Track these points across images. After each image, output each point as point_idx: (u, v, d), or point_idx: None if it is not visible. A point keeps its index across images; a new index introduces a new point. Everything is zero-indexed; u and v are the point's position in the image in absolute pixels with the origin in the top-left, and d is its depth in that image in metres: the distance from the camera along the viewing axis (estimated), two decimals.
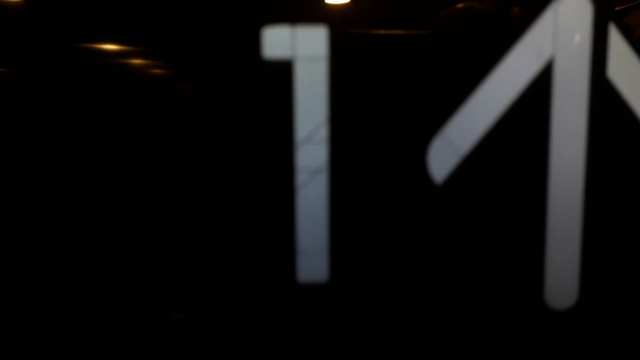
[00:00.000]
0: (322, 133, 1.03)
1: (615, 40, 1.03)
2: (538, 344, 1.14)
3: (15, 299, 1.06)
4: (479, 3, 1.15)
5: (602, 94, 1.05)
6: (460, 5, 1.14)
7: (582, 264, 1.11)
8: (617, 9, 1.24)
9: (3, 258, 1.04)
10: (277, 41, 1.00)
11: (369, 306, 1.11)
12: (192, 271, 1.09)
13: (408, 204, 1.08)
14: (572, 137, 1.06)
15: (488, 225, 1.10)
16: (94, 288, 1.07)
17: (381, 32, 1.08)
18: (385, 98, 1.06)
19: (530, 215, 1.10)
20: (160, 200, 1.08)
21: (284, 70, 1.00)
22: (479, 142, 1.06)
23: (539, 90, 1.04)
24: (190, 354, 1.10)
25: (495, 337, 1.14)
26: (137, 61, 1.06)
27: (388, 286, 1.10)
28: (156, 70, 1.07)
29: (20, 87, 1.03)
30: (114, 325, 1.08)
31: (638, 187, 1.11)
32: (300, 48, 1.00)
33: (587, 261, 1.11)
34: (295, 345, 1.10)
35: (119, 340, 1.08)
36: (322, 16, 1.22)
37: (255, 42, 0.99)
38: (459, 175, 1.06)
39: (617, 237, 1.13)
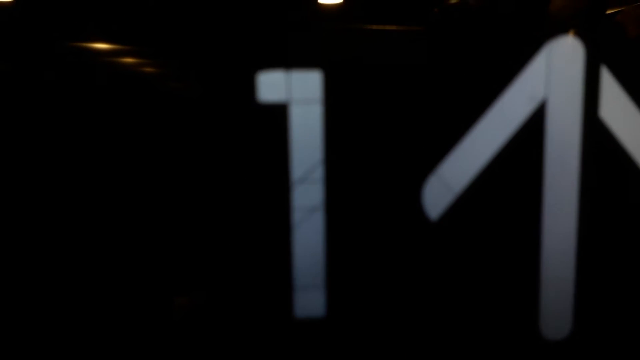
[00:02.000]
0: (318, 173, 1.05)
1: (607, 81, 1.04)
2: None
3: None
4: None
5: (595, 133, 1.06)
6: (453, 1, 1.14)
7: (575, 297, 1.13)
8: (609, 12, 1.24)
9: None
10: (272, 85, 1.01)
11: (366, 341, 1.12)
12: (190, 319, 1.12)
13: (404, 241, 1.10)
14: (565, 175, 1.08)
15: (483, 259, 1.12)
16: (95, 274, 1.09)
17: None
18: (380, 137, 1.08)
19: (524, 251, 1.11)
20: (168, 234, 1.10)
21: (279, 112, 1.02)
22: (473, 181, 1.07)
23: (533, 131, 1.05)
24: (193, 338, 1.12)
25: None
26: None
27: (385, 321, 1.12)
28: (154, 107, 1.09)
29: (14, 85, 1.04)
30: (118, 309, 1.10)
31: (629, 223, 1.13)
32: (295, 91, 1.02)
33: (581, 294, 1.13)
34: None
35: (123, 322, 1.10)
36: (315, 16, 1.22)
37: (250, 86, 1.01)
38: (454, 213, 1.08)
39: (610, 271, 1.14)
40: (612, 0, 1.23)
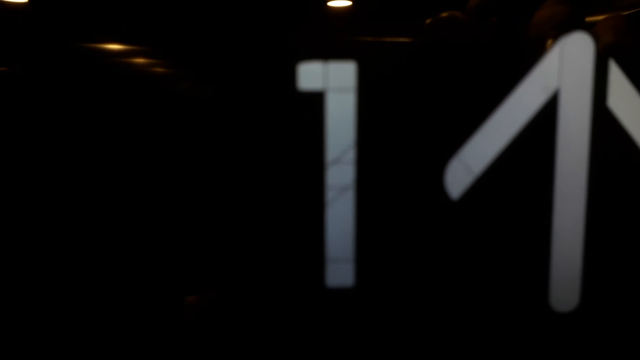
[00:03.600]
0: (350, 155, 1.16)
1: (615, 74, 1.15)
2: (543, 345, 1.27)
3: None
4: (460, 12, 1.25)
5: (603, 121, 1.16)
6: (443, 14, 1.24)
7: (583, 272, 1.23)
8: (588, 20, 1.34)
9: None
10: (310, 74, 1.12)
11: (390, 308, 1.23)
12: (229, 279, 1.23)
13: (427, 218, 1.21)
14: (575, 159, 1.18)
15: (499, 235, 1.22)
16: (106, 270, 1.15)
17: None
18: (407, 123, 1.18)
19: (536, 228, 1.22)
20: (198, 216, 1.21)
21: (317, 100, 1.13)
22: (492, 164, 1.18)
23: (546, 118, 1.16)
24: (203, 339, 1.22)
25: (503, 339, 1.26)
26: (175, 83, 1.19)
27: (407, 291, 1.23)
28: (195, 96, 1.20)
29: (23, 86, 1.08)
30: (127, 307, 1.16)
31: (635, 204, 1.23)
32: (332, 81, 1.12)
33: (589, 269, 1.23)
34: (321, 344, 1.24)
35: (132, 321, 1.16)
36: (324, 19, 1.33)
37: (291, 76, 1.11)
38: (473, 192, 1.19)
39: (615, 252, 1.25)
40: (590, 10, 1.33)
